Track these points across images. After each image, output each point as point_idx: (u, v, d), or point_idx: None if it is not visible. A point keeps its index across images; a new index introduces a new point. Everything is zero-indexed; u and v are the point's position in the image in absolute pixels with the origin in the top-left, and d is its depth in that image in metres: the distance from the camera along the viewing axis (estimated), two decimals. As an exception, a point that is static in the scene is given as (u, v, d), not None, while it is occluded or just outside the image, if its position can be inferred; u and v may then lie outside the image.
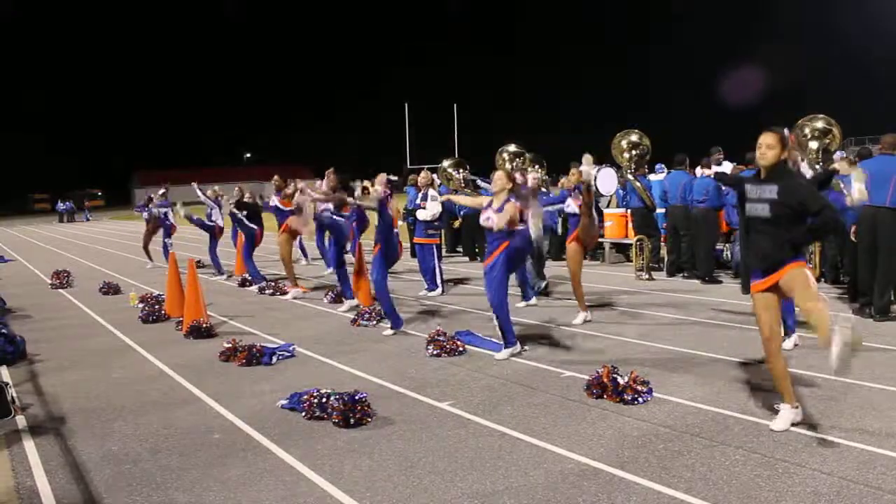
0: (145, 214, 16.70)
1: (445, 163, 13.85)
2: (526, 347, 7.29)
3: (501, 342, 7.31)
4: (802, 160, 6.30)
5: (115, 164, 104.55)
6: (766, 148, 4.76)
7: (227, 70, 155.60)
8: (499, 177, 7.18)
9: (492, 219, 7.00)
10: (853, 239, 8.47)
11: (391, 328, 8.36)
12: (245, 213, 12.66)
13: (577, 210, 8.61)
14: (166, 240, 15.85)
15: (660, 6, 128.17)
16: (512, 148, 11.08)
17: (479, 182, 10.38)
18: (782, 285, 4.77)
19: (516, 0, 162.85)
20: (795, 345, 7.04)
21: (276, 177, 12.49)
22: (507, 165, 10.08)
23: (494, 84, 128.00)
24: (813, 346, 6.99)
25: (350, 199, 9.47)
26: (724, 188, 10.90)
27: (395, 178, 8.99)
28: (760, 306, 4.89)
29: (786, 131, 4.80)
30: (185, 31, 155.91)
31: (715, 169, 10.78)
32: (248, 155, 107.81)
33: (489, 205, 7.18)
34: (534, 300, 9.85)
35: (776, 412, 4.98)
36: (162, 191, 16.61)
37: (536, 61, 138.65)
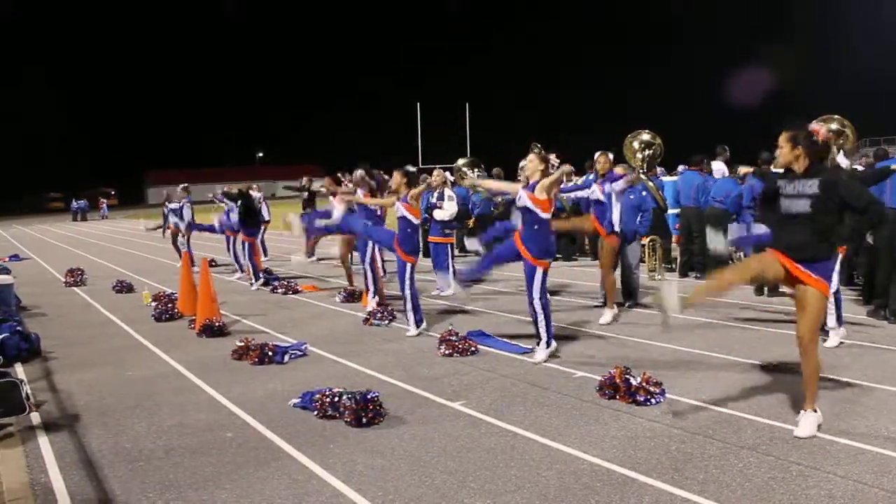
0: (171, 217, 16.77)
1: (460, 161, 13.85)
2: (534, 347, 7.26)
3: (514, 342, 7.32)
4: (839, 151, 6.24)
5: (127, 163, 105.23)
6: (778, 148, 4.82)
7: (238, 69, 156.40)
8: (530, 160, 7.08)
9: (522, 196, 6.92)
10: (870, 241, 8.40)
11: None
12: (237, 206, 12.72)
13: (601, 197, 8.58)
14: (181, 238, 15.92)
15: (660, 6, 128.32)
16: (535, 150, 11.10)
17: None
18: (799, 292, 4.75)
19: (518, 1, 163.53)
20: (841, 343, 7.00)
21: (327, 178, 11.96)
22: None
23: (495, 84, 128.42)
24: (830, 348, 6.94)
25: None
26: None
27: (412, 169, 9.11)
28: (764, 259, 4.86)
29: (813, 125, 4.77)
30: (196, 31, 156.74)
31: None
32: (261, 154, 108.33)
33: (523, 187, 7.06)
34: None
35: (795, 414, 4.94)
36: (184, 185, 16.59)
37: (535, 62, 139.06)
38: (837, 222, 4.72)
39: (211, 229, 14.76)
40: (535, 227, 6.88)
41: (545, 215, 6.89)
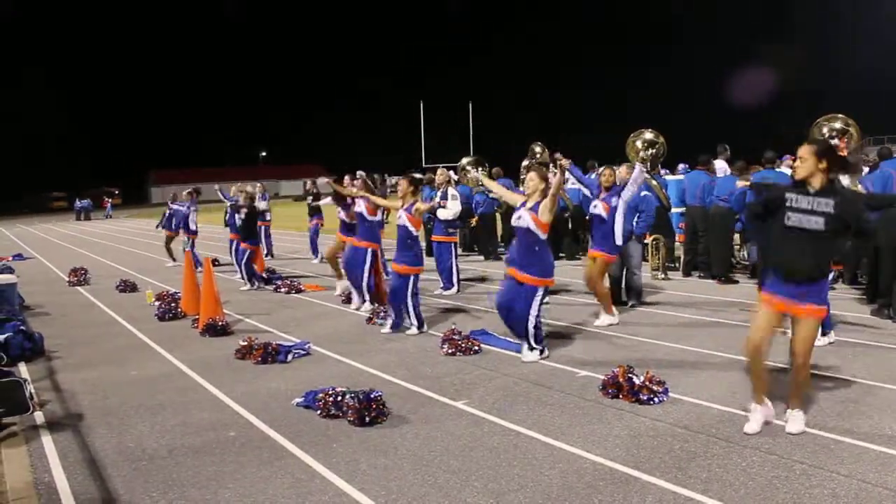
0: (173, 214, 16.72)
1: (465, 160, 13.84)
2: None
3: (517, 342, 7.33)
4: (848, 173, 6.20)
5: (128, 163, 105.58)
6: (800, 160, 4.73)
7: (240, 69, 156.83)
8: (531, 178, 7.01)
9: (524, 217, 6.87)
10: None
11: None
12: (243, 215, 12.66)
13: (603, 213, 8.42)
14: (184, 239, 15.95)
15: (660, 6, 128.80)
16: (537, 149, 11.06)
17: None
18: (796, 321, 4.78)
19: (518, 1, 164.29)
20: (830, 343, 6.99)
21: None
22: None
23: (495, 84, 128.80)
24: (835, 346, 6.93)
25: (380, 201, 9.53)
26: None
27: (419, 176, 9.12)
28: (763, 318, 4.89)
29: (835, 141, 4.76)
30: (198, 31, 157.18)
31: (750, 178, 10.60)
32: (264, 154, 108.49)
33: (522, 204, 6.99)
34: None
35: (790, 414, 4.94)
36: (190, 189, 16.52)
37: (535, 62, 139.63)
38: (842, 241, 4.74)
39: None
40: (536, 248, 6.84)
41: (545, 236, 6.87)
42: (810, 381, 4.95)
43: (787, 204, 4.74)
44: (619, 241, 8.47)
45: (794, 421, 4.85)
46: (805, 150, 4.70)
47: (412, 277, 8.27)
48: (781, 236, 4.77)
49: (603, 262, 8.55)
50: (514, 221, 7.03)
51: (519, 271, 6.88)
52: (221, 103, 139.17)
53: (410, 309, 8.28)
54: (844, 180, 6.50)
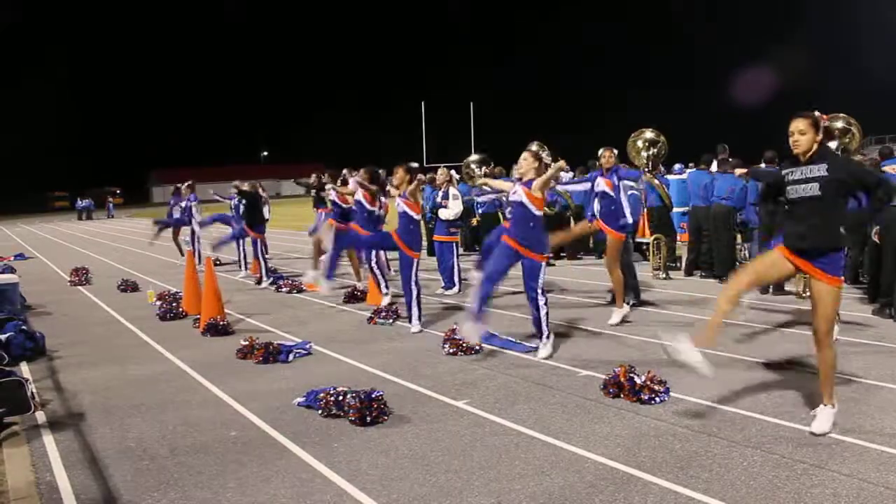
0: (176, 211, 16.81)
1: (470, 158, 13.82)
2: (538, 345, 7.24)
3: (518, 341, 7.32)
4: (841, 150, 6.20)
5: (130, 162, 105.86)
6: (799, 134, 4.69)
7: (242, 68, 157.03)
8: (524, 157, 7.03)
9: (518, 192, 6.86)
10: (876, 240, 8.38)
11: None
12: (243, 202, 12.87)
13: (607, 189, 8.43)
14: (186, 238, 16.01)
15: (660, 6, 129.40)
16: (534, 147, 10.96)
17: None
18: (812, 286, 4.72)
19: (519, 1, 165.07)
20: (836, 339, 6.96)
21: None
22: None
23: (497, 83, 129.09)
24: (836, 345, 6.91)
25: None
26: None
27: (415, 165, 9.14)
28: (770, 259, 4.87)
29: (816, 113, 4.76)
30: (200, 30, 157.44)
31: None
32: (266, 153, 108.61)
33: (518, 181, 7.02)
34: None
35: (806, 413, 4.92)
36: (188, 183, 16.59)
37: (536, 62, 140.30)
38: (844, 205, 4.70)
39: (226, 220, 14.88)
40: (531, 224, 6.84)
41: (539, 212, 6.88)
42: (834, 366, 4.85)
43: (786, 179, 4.77)
44: (628, 218, 8.53)
45: (820, 420, 4.75)
46: (804, 123, 4.68)
47: (415, 262, 8.36)
48: (787, 212, 4.81)
49: (614, 241, 8.49)
50: (510, 196, 7.03)
51: (520, 245, 6.85)
52: (222, 103, 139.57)
53: (413, 299, 8.33)
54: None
